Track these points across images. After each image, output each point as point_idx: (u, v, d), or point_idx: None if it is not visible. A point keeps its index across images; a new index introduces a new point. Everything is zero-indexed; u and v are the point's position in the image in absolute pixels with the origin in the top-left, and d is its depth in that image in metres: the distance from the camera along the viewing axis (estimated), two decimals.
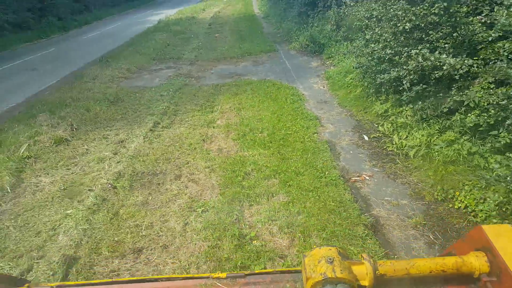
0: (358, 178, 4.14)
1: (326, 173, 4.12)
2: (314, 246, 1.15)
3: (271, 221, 3.42)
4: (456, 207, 3.45)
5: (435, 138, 4.33)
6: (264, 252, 3.02)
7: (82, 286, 1.30)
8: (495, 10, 3.65)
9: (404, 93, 4.82)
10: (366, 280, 1.08)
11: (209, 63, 9.67)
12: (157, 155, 4.70)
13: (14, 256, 3.11)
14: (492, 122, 3.64)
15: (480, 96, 3.90)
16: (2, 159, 4.58)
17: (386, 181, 4.04)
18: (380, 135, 5.02)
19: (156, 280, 1.31)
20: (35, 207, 3.80)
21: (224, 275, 1.25)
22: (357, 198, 3.74)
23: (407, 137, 4.65)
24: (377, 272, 1.11)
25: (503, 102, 3.37)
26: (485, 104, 3.78)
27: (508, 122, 3.18)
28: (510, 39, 3.51)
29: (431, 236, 3.17)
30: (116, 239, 3.27)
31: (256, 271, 1.29)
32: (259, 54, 10.22)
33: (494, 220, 3.14)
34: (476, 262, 1.12)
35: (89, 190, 4.01)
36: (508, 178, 2.98)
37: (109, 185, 4.02)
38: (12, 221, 3.60)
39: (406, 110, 4.99)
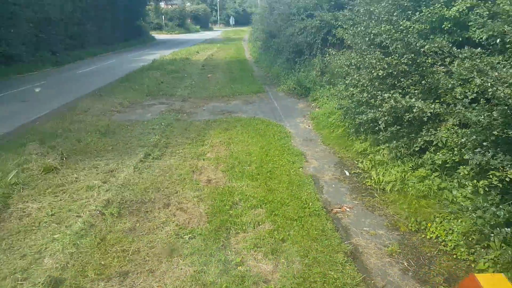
0: (339, 209, 4.41)
1: (310, 204, 4.38)
2: None
3: (256, 247, 3.58)
4: (428, 237, 3.73)
5: (408, 174, 4.72)
6: (249, 277, 3.16)
7: None
8: (454, 62, 4.26)
9: (381, 133, 5.29)
10: None
11: (201, 100, 10.17)
12: (146, 185, 4.87)
13: (1, 275, 3.13)
14: (457, 160, 4.07)
15: (446, 136, 4.37)
16: None
17: (365, 213, 4.32)
18: (360, 171, 5.39)
19: None
20: (20, 231, 3.85)
21: None
22: (338, 227, 3.98)
23: (384, 173, 5.02)
24: None
25: (463, 140, 3.82)
26: (451, 143, 4.24)
27: (467, 156, 3.59)
28: (463, 85, 4.07)
29: (405, 263, 3.39)
30: (102, 262, 3.35)
31: None
32: (249, 94, 10.85)
33: (462, 249, 3.42)
34: None
35: (77, 216, 4.10)
36: (470, 208, 3.32)
37: (98, 212, 4.14)
38: (2, 240, 3.63)
39: (383, 149, 5.44)
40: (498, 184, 3.19)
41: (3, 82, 13.51)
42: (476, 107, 3.87)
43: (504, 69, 3.41)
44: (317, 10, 10.96)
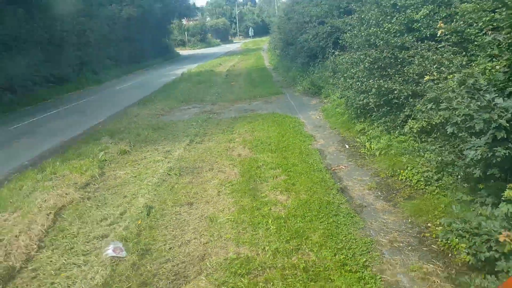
0: (337, 167, 6.12)
1: (315, 165, 6.13)
2: None
3: (275, 189, 5.37)
4: (399, 179, 5.35)
5: (393, 141, 6.36)
6: (270, 202, 4.95)
7: None
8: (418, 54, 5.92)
9: (373, 113, 6.99)
10: None
11: (227, 103, 12.22)
12: (195, 158, 6.85)
13: (114, 206, 5.14)
14: (424, 126, 5.66)
15: (423, 110, 5.97)
16: (89, 161, 6.80)
17: (356, 169, 6.01)
18: (357, 144, 7.07)
19: None
20: (117, 185, 5.90)
21: None
22: (334, 177, 5.69)
23: (375, 143, 6.67)
24: None
25: (432, 112, 5.40)
26: (424, 116, 5.84)
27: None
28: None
29: (378, 193, 5.06)
30: (174, 197, 5.29)
31: None
32: (269, 96, 12.78)
33: (421, 183, 5.01)
34: None
35: (152, 176, 6.11)
36: (431, 158, 4.90)
37: (165, 173, 6.13)
38: (105, 192, 5.69)
39: (377, 127, 7.10)
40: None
41: (59, 99, 16.35)
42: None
43: (445, 54, 5.02)
44: (327, 18, 12.80)
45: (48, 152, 8.15)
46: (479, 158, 2.80)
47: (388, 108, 6.78)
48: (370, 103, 6.71)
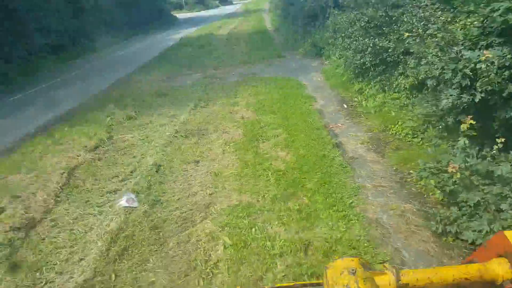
0: (334, 125, 6.59)
1: (314, 124, 6.59)
2: (336, 257, 1.26)
3: (276, 146, 5.89)
4: (390, 133, 5.82)
5: (388, 99, 6.75)
6: (271, 157, 5.49)
7: None
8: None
9: (370, 72, 7.32)
10: None
11: (229, 67, 12.48)
12: (200, 121, 7.35)
13: (124, 165, 5.74)
14: (416, 83, 6.03)
15: (412, 67, 6.31)
16: (97, 126, 7.35)
17: (352, 126, 6.47)
18: (355, 103, 7.47)
19: None
20: (126, 147, 6.47)
21: None
22: (331, 134, 6.18)
23: (372, 102, 7.07)
24: (399, 282, 1.18)
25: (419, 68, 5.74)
26: (413, 72, 6.18)
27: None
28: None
29: (370, 146, 5.56)
30: (182, 156, 5.85)
31: (277, 285, 1.32)
32: (271, 59, 12.98)
33: (409, 135, 5.48)
34: (499, 269, 1.16)
35: (159, 138, 6.66)
36: (418, 112, 5.32)
37: (172, 135, 6.67)
38: (115, 153, 6.27)
39: (374, 86, 7.45)
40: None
41: (58, 68, 16.59)
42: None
43: (431, 11, 5.25)
44: None
45: (53, 121, 8.62)
46: (450, 105, 3.23)
47: (384, 67, 7.10)
48: (366, 62, 7.02)
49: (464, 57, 3.09)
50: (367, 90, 7.50)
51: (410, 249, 3.47)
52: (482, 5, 3.00)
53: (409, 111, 5.86)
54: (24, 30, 16.96)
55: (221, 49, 16.31)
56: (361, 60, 7.29)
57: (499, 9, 2.76)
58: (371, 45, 6.53)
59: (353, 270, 1.13)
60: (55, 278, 3.32)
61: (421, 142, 5.24)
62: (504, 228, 2.86)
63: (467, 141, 3.01)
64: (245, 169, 5.22)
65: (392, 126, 5.93)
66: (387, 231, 3.74)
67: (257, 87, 9.39)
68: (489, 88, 2.89)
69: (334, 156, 5.32)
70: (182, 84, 10.78)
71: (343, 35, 7.82)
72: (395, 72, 6.76)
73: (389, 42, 6.63)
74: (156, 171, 5.40)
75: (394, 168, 4.89)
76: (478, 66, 2.87)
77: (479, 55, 2.89)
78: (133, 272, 3.33)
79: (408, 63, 6.09)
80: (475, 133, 2.97)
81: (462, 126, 2.99)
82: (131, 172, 5.45)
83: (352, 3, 7.91)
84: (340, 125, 6.61)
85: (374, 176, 4.78)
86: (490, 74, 2.78)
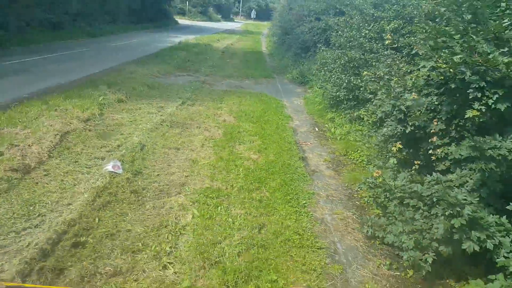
0: (304, 143, 7.45)
1: (286, 138, 7.40)
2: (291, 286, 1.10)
3: (250, 150, 6.62)
4: (349, 157, 6.73)
5: (353, 129, 7.73)
6: (244, 157, 6.20)
7: None
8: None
9: (343, 105, 8.34)
10: None
11: (220, 77, 13.29)
12: (185, 116, 7.99)
13: (112, 139, 6.25)
14: (375, 119, 7.03)
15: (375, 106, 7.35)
16: (89, 102, 7.79)
17: (319, 146, 7.35)
18: (325, 129, 8.42)
19: None
20: (115, 125, 6.98)
21: None
22: (299, 149, 7.00)
23: (339, 130, 8.03)
24: None
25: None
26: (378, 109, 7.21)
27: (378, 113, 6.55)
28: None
29: (330, 165, 6.42)
30: (164, 142, 6.45)
31: None
32: (260, 78, 13.93)
33: (364, 162, 6.39)
34: None
35: (146, 123, 7.22)
36: (373, 143, 6.28)
37: (158, 123, 7.25)
38: (105, 128, 6.76)
39: (344, 117, 8.46)
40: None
41: (52, 45, 16.75)
42: None
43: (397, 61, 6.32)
44: (324, 15, 13.97)
45: (47, 90, 8.96)
46: (390, 133, 4.13)
47: (355, 102, 8.13)
48: (340, 96, 8.03)
49: (402, 97, 4.02)
50: (338, 119, 8.49)
51: (344, 244, 4.24)
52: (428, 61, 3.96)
53: (366, 142, 6.82)
54: (28, 2, 17.13)
55: (215, 60, 17.17)
56: (337, 93, 8.31)
57: (426, 67, 3.73)
58: (346, 81, 7.57)
59: None
60: (46, 213, 3.78)
61: (373, 168, 6.15)
62: (413, 231, 3.69)
63: (395, 161, 3.87)
64: (219, 162, 5.89)
65: (352, 152, 6.85)
66: (328, 228, 4.51)
67: (242, 99, 10.20)
68: (416, 123, 3.80)
69: (298, 166, 6.11)
70: (174, 83, 11.42)
71: (325, 68, 8.88)
72: (362, 108, 7.79)
73: (361, 81, 7.68)
74: (141, 149, 5.96)
75: (346, 185, 5.74)
76: (407, 103, 3.80)
77: (411, 96, 3.83)
78: (114, 220, 3.86)
79: (373, 101, 7.13)
80: (402, 157, 3.83)
81: (392, 148, 3.86)
82: (118, 146, 5.97)
83: (337, 43, 9.03)
84: (309, 143, 7.48)
85: (328, 188, 5.60)
86: (416, 112, 3.70)
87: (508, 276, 2.93)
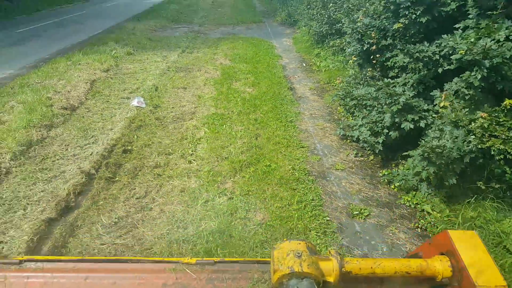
0: (292, 76, 8.46)
1: (277, 74, 8.41)
2: (285, 239, 1.25)
3: (245, 85, 7.68)
4: (331, 84, 7.80)
5: (335, 61, 8.68)
6: (240, 91, 7.29)
7: (52, 262, 1.29)
8: None
9: (326, 40, 9.18)
10: (332, 276, 1.17)
11: (213, 26, 13.86)
12: (187, 62, 8.93)
13: (131, 84, 7.32)
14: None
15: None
16: (104, 56, 8.73)
17: (306, 78, 8.37)
18: (312, 63, 9.36)
19: (125, 261, 1.35)
20: (130, 73, 8.00)
21: (193, 260, 1.30)
22: (288, 82, 8.05)
23: (324, 63, 8.98)
24: (343, 269, 1.19)
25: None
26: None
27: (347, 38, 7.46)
28: None
29: (314, 91, 7.52)
30: (173, 83, 7.51)
31: (226, 259, 1.34)
32: (250, 23, 14.45)
33: (345, 86, 7.47)
34: (440, 266, 1.20)
35: (155, 69, 8.22)
36: (350, 71, 7.29)
37: (165, 69, 8.25)
38: (123, 75, 7.80)
39: (328, 51, 9.34)
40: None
41: (52, 11, 17.13)
42: None
43: None
44: None
45: (64, 50, 9.87)
46: (352, 52, 5.19)
47: (338, 36, 8.97)
48: (323, 31, 8.85)
49: (361, 22, 4.97)
50: (323, 53, 9.39)
51: (321, 144, 5.49)
52: None
53: (346, 70, 7.83)
54: None
55: (207, 11, 17.45)
56: (320, 29, 9.11)
57: None
58: (326, 16, 8.34)
59: (298, 253, 1.15)
60: (97, 135, 5.02)
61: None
62: (370, 123, 4.89)
63: (353, 71, 4.94)
64: (220, 96, 7.01)
65: (334, 79, 7.88)
66: (310, 135, 5.74)
67: (235, 44, 10.99)
68: (370, 41, 4.78)
69: (287, 94, 7.21)
70: (171, 35, 12.12)
71: (308, 6, 9.54)
72: (344, 40, 8.65)
73: (342, 16, 8.44)
74: (155, 90, 7.06)
75: (327, 106, 6.88)
76: (358, 25, 4.83)
77: (361, 20, 4.84)
78: (147, 137, 5.11)
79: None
80: (359, 70, 4.90)
81: (349, 62, 4.91)
82: (137, 88, 7.07)
83: None
84: (296, 77, 8.49)
85: (312, 108, 6.75)
86: (370, 33, 4.68)
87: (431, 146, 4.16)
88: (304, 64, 9.41)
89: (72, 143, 4.79)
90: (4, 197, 3.81)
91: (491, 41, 3.06)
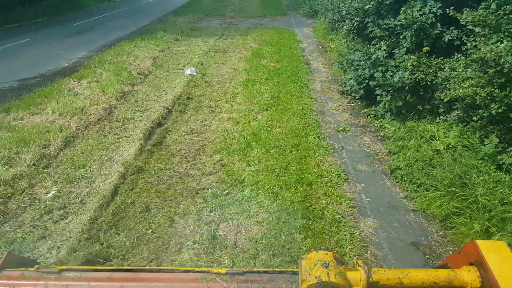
0: (309, 56, 10.70)
1: (296, 53, 10.69)
2: (312, 250, 1.31)
3: (270, 61, 10.02)
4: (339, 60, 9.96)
5: (347, 43, 10.81)
6: (268, 66, 9.63)
7: (89, 272, 1.38)
8: None
9: (338, 25, 11.34)
10: (359, 287, 1.19)
11: (243, 18, 16.32)
12: (223, 46, 11.42)
13: (182, 60, 9.88)
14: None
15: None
16: (158, 41, 11.39)
17: (320, 57, 10.59)
18: (326, 46, 11.54)
19: (158, 271, 1.40)
20: (180, 53, 10.59)
21: (223, 270, 1.35)
22: (306, 60, 10.30)
23: (339, 44, 11.12)
24: (370, 279, 1.21)
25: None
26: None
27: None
28: None
29: (326, 67, 9.72)
30: (214, 60, 9.99)
31: (255, 270, 1.40)
32: (276, 15, 16.80)
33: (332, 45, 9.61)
34: (468, 276, 1.21)
35: (199, 51, 10.76)
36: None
37: (207, 50, 10.77)
38: (174, 55, 10.38)
39: (340, 35, 11.47)
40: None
41: (97, 8, 20.23)
42: None
43: None
44: None
45: (122, 37, 12.66)
46: (347, 28, 7.37)
47: (353, 22, 11.10)
48: (335, 18, 11.01)
49: (350, 5, 7.22)
50: (336, 38, 11.55)
51: (326, 96, 7.72)
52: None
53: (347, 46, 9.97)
54: None
55: (236, 5, 19.99)
56: (334, 17, 11.28)
57: None
58: (337, 6, 10.50)
59: (326, 263, 1.18)
60: (166, 90, 7.60)
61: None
62: (357, 77, 7.08)
63: (346, 40, 7.16)
64: (251, 68, 9.39)
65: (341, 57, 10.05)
66: (318, 91, 7.98)
67: (262, 32, 13.37)
68: (358, 19, 6.95)
69: (303, 68, 9.49)
70: (207, 25, 14.70)
71: None
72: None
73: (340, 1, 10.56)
74: (201, 64, 9.56)
75: (334, 75, 9.08)
76: (347, 6, 7.03)
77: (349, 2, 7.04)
78: (201, 91, 7.59)
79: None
80: (352, 40, 7.09)
81: (342, 32, 7.09)
82: (187, 63, 9.62)
83: None
84: (313, 56, 10.74)
85: (322, 77, 8.97)
86: (359, 13, 6.91)
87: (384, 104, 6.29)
88: (320, 47, 11.61)
89: (151, 94, 7.36)
90: (118, 119, 6.36)
91: (416, 12, 5.23)
